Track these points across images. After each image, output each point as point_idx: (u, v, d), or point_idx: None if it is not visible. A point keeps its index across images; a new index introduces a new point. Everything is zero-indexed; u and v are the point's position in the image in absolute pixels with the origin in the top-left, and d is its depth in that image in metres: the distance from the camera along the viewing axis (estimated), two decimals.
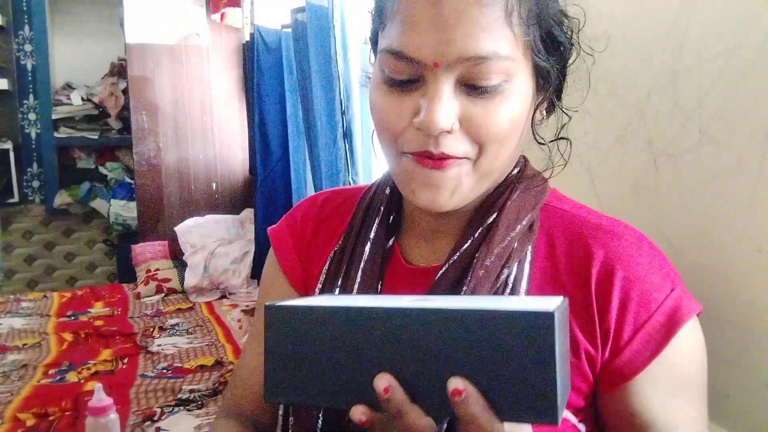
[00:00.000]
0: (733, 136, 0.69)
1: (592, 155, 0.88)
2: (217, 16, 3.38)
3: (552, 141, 0.64)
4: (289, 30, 2.26)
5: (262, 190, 2.83)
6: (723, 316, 0.71)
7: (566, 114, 0.64)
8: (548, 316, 0.40)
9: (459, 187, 0.57)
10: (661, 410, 0.58)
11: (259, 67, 2.74)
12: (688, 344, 0.59)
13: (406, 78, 0.55)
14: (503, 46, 0.53)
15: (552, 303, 0.43)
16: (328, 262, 0.69)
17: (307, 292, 0.71)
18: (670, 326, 0.57)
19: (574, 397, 0.59)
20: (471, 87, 0.54)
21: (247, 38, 2.94)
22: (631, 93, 0.81)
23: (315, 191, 2.14)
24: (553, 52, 0.58)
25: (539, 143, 0.63)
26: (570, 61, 0.62)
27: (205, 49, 3.46)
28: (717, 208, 0.72)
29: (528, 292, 0.60)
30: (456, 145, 0.55)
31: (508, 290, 0.59)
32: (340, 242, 0.69)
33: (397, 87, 0.56)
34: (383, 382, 0.42)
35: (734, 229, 0.70)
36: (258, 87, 2.76)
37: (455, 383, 0.41)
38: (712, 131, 0.71)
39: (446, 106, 0.53)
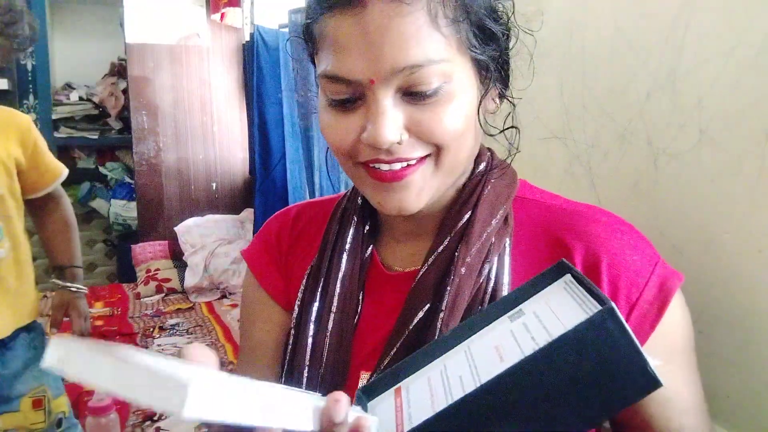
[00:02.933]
0: (733, 136, 0.69)
1: (592, 155, 0.88)
2: (217, 16, 3.39)
3: (500, 132, 0.64)
4: (286, 30, 2.26)
5: (262, 191, 2.83)
6: (723, 316, 0.71)
7: (511, 102, 0.65)
8: (609, 311, 0.40)
9: (424, 188, 0.58)
10: (662, 378, 0.59)
11: (259, 67, 2.74)
12: (678, 312, 0.60)
13: (347, 97, 0.56)
14: (435, 51, 0.53)
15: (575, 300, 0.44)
16: (305, 278, 0.68)
17: (290, 306, 0.71)
18: (663, 298, 0.58)
19: None
20: (412, 94, 0.54)
21: (247, 38, 2.94)
22: (631, 93, 0.81)
23: (314, 191, 2.14)
24: (488, 42, 0.58)
25: (489, 135, 0.63)
26: (511, 45, 0.62)
27: (205, 49, 3.46)
28: (717, 208, 0.72)
29: (511, 285, 0.60)
30: (410, 150, 0.56)
31: (491, 284, 0.60)
32: (316, 256, 0.69)
33: (341, 107, 0.57)
34: None
35: (734, 229, 0.70)
36: (258, 87, 2.76)
37: None
38: (712, 131, 0.71)
39: (390, 119, 0.54)
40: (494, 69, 0.59)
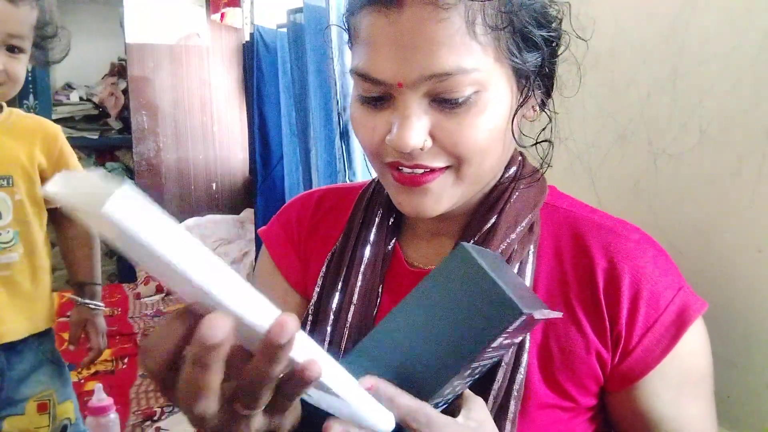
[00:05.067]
0: (733, 136, 0.69)
1: (592, 155, 0.88)
2: (217, 16, 3.38)
3: (533, 145, 0.63)
4: (284, 30, 2.26)
5: (262, 191, 2.83)
6: (723, 317, 0.71)
7: (548, 116, 0.63)
8: (461, 248, 0.49)
9: (443, 196, 0.57)
10: (671, 407, 0.59)
11: (259, 67, 2.74)
12: (696, 342, 0.59)
13: (376, 95, 0.55)
14: (468, 59, 0.51)
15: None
16: (325, 265, 0.68)
17: (307, 292, 0.70)
18: (680, 325, 0.57)
19: (586, 396, 0.60)
20: (441, 101, 0.53)
21: (247, 38, 2.94)
22: (631, 93, 0.81)
23: None
24: (530, 51, 0.56)
25: (522, 146, 0.62)
26: (560, 51, 0.60)
27: (205, 49, 3.46)
28: (717, 208, 0.72)
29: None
30: (431, 159, 0.55)
31: None
32: (337, 244, 0.68)
33: (370, 104, 0.56)
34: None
35: (734, 229, 0.70)
36: (258, 87, 2.76)
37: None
38: (712, 131, 0.71)
39: (415, 124, 0.53)
40: (535, 78, 0.57)
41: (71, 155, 1.31)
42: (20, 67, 1.09)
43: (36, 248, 1.23)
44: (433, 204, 0.57)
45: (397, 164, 0.56)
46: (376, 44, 0.53)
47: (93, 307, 1.36)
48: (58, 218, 1.34)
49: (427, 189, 0.56)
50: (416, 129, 0.53)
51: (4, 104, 1.19)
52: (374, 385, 0.45)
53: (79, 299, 1.36)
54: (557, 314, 0.55)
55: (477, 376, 0.53)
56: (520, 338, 0.55)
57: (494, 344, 0.47)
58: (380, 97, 0.55)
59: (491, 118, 0.54)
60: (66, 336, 1.41)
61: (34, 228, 1.22)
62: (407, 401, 0.46)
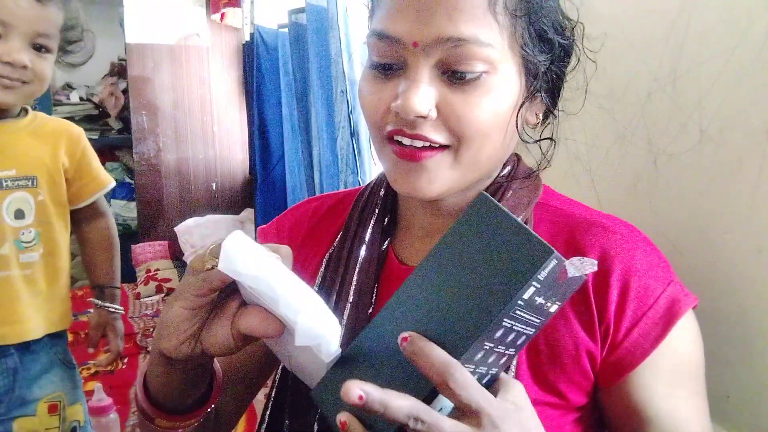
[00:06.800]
0: (733, 136, 0.69)
1: (592, 155, 0.88)
2: (217, 16, 3.38)
3: (536, 141, 0.63)
4: (285, 30, 2.26)
5: (262, 191, 2.83)
6: (723, 317, 0.71)
7: (553, 114, 0.64)
8: (482, 197, 0.46)
9: (439, 177, 0.57)
10: (665, 402, 0.59)
11: (259, 68, 2.74)
12: (687, 336, 0.59)
13: (389, 61, 0.56)
14: (484, 33, 0.53)
15: None
16: (323, 266, 0.69)
17: None
18: (669, 317, 0.58)
19: (576, 393, 0.60)
20: (452, 74, 0.54)
21: (247, 38, 2.94)
22: (631, 93, 0.81)
23: (314, 191, 2.14)
24: (543, 48, 0.57)
25: (524, 141, 0.62)
26: (570, 67, 0.62)
27: (205, 49, 3.46)
28: (717, 208, 0.72)
29: None
30: (432, 132, 0.55)
31: None
32: (335, 245, 0.69)
33: (382, 72, 0.57)
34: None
35: (734, 229, 0.70)
36: (258, 87, 2.77)
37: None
38: (712, 131, 0.71)
39: (423, 90, 0.54)
40: (543, 78, 0.58)
41: (93, 157, 1.32)
42: (47, 66, 1.11)
43: (57, 249, 1.23)
44: (428, 183, 0.57)
45: (398, 133, 0.56)
46: (397, 5, 0.54)
47: (113, 311, 1.36)
48: (79, 221, 1.35)
49: (423, 166, 0.57)
50: (424, 95, 0.54)
51: (29, 107, 1.20)
52: (410, 335, 0.43)
53: (99, 302, 1.36)
54: (593, 263, 0.47)
55: (512, 352, 0.49)
56: (555, 308, 0.49)
57: (525, 297, 0.43)
58: (392, 65, 0.56)
59: (496, 101, 0.55)
60: (67, 336, 1.41)
61: (55, 229, 1.22)
62: (442, 355, 0.42)
